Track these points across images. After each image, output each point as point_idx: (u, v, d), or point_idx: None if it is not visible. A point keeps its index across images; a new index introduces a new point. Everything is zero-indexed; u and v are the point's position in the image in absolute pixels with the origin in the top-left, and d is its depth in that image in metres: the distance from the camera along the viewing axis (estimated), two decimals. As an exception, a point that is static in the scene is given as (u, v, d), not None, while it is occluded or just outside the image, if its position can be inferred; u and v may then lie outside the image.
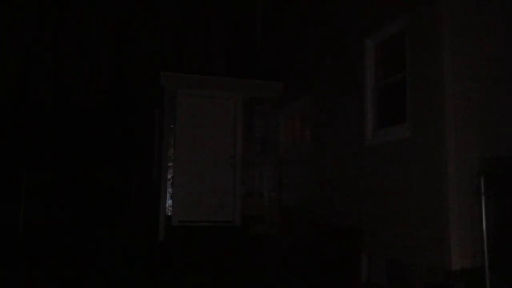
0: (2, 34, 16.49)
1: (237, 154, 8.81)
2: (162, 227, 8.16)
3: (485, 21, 4.91)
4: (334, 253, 6.35)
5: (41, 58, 16.87)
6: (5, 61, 16.60)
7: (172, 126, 8.57)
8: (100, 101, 17.01)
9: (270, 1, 10.60)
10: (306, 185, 7.94)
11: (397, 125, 5.51)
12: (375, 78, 6.09)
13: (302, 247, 7.67)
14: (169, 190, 8.44)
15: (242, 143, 8.91)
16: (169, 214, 8.34)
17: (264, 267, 8.09)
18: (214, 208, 8.59)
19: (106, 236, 11.80)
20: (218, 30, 17.03)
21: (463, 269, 4.42)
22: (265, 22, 10.87)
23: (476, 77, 4.78)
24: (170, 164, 8.48)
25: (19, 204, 11.64)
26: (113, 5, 17.27)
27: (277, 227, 8.88)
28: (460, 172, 4.56)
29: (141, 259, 9.29)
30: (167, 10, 17.65)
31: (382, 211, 5.60)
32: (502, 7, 5.00)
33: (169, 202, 8.41)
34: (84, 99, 16.92)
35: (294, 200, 8.44)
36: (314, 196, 7.58)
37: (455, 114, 4.63)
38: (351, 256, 5.92)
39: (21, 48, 16.76)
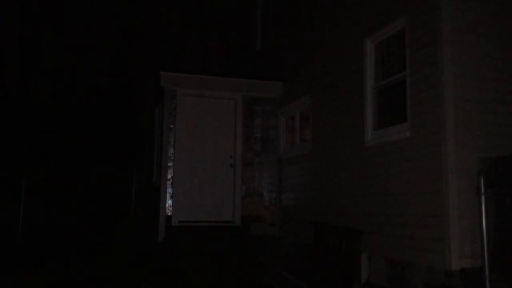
0: (2, 34, 16.49)
1: (237, 154, 8.81)
2: (162, 227, 8.17)
3: (485, 21, 4.92)
4: (334, 253, 6.35)
5: (41, 58, 16.86)
6: (5, 61, 16.60)
7: (172, 126, 8.57)
8: (100, 101, 17.02)
9: (270, 0, 10.60)
10: (306, 185, 7.94)
11: (397, 125, 5.51)
12: (375, 78, 6.09)
13: (302, 247, 7.67)
14: (169, 190, 8.43)
15: (242, 143, 8.91)
16: (169, 214, 8.34)
17: (264, 267, 8.09)
18: (214, 208, 8.59)
19: (106, 236, 11.80)
20: (218, 30, 17.03)
21: (463, 269, 4.42)
22: (265, 22, 10.87)
23: (476, 77, 4.78)
24: (170, 164, 8.48)
25: (19, 204, 11.64)
26: (113, 5, 17.27)
27: (277, 227, 8.88)
28: (460, 172, 4.56)
29: (141, 259, 9.29)
30: (167, 10, 17.64)
31: (382, 211, 5.60)
32: (502, 7, 5.00)
33: (169, 202, 8.41)
34: (84, 99, 16.92)
35: (294, 200, 8.44)
36: (314, 196, 7.58)
37: (455, 114, 4.63)
38: (351, 256, 5.92)
39: (21, 48, 16.75)
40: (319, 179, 7.46)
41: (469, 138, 4.65)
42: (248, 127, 9.08)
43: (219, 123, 8.85)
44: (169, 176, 8.46)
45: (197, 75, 9.00)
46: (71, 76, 17.11)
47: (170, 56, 16.98)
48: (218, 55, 16.53)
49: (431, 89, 4.84)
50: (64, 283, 7.53)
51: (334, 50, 7.15)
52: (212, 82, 8.93)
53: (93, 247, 10.69)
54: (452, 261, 4.43)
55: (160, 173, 8.54)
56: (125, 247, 10.74)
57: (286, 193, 8.81)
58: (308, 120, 8.00)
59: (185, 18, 17.56)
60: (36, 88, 16.72)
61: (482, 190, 4.40)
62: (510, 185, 4.25)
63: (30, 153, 15.01)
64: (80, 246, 10.77)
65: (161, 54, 17.02)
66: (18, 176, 12.09)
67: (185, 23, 17.53)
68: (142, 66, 16.74)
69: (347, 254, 6.01)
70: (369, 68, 6.13)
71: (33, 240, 11.08)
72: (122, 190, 13.61)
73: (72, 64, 17.14)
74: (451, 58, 4.71)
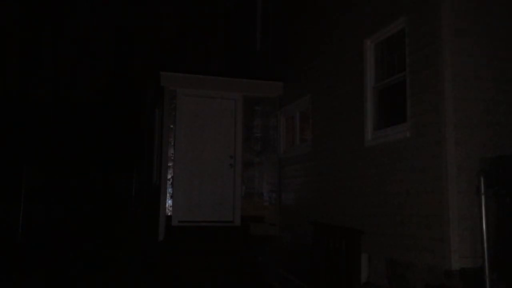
0: (3, 34, 16.48)
1: (237, 154, 8.81)
2: (162, 227, 8.16)
3: (485, 21, 4.91)
4: (334, 253, 6.35)
5: (41, 58, 16.87)
6: (5, 61, 16.60)
7: (172, 126, 8.57)
8: (100, 101, 17.02)
9: (270, 0, 10.60)
10: (306, 185, 7.94)
11: (397, 125, 5.51)
12: (375, 78, 6.09)
13: (302, 247, 7.67)
14: (169, 190, 8.43)
15: (242, 143, 8.91)
16: (169, 214, 8.34)
17: (264, 267, 8.09)
18: (214, 208, 8.58)
19: (106, 236, 11.80)
20: (218, 30, 17.03)
21: (463, 269, 4.42)
22: (265, 22, 10.87)
23: (476, 77, 4.77)
24: (170, 164, 8.48)
25: (19, 204, 11.64)
26: (113, 5, 17.27)
27: (277, 227, 8.88)
28: (460, 172, 4.56)
29: (141, 259, 9.29)
30: (167, 10, 17.65)
31: (382, 211, 5.59)
32: (502, 7, 5.00)
33: (169, 202, 8.41)
34: (84, 99, 16.93)
35: (294, 200, 8.44)
36: (314, 196, 7.58)
37: (455, 114, 4.63)
38: (351, 256, 5.92)
39: (21, 48, 16.75)
40: (319, 179, 7.46)
41: (469, 138, 4.65)
42: (248, 127, 9.07)
43: (219, 123, 8.84)
44: (169, 176, 8.46)
45: (197, 75, 8.98)
46: (71, 76, 17.12)
47: (170, 56, 16.98)
48: (218, 55, 16.53)
49: (431, 89, 4.84)
50: (64, 283, 7.53)
51: (334, 50, 7.15)
52: (212, 82, 8.92)
53: (93, 247, 10.69)
54: (452, 261, 4.43)
55: (160, 173, 8.53)
56: (125, 247, 10.74)
57: (286, 193, 8.81)
58: (308, 120, 8.00)
59: (185, 18, 17.56)
60: (36, 88, 16.72)
61: (482, 190, 4.40)
62: (510, 185, 4.25)
63: (30, 153, 15.01)
64: (80, 245, 10.77)
65: (161, 54, 17.02)
66: (18, 176, 12.09)
67: (185, 23, 17.53)
68: (142, 66, 16.74)
69: (347, 254, 6.01)
70: (369, 68, 6.13)
71: (33, 240, 11.08)
72: (122, 190, 13.61)
73: (72, 64, 17.15)
74: (451, 58, 4.70)
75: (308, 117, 8.04)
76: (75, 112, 16.56)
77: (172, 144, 8.53)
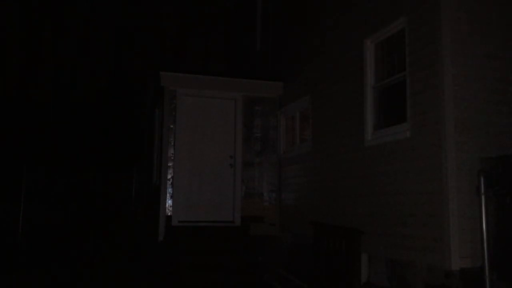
0: (3, 34, 16.49)
1: (237, 154, 8.81)
2: (162, 227, 8.16)
3: (485, 21, 4.92)
4: (334, 253, 6.35)
5: (41, 58, 16.86)
6: (5, 62, 16.60)
7: (172, 126, 8.57)
8: (100, 101, 17.02)
9: (270, 0, 10.60)
10: (306, 185, 7.94)
11: (397, 125, 5.51)
12: (375, 78, 6.09)
13: (302, 247, 7.67)
14: (169, 190, 8.43)
15: (242, 143, 8.90)
16: (169, 214, 8.34)
17: (264, 267, 8.09)
18: (214, 208, 8.58)
19: (106, 236, 11.80)
20: (218, 30, 17.03)
21: (462, 269, 4.42)
22: (265, 22, 10.87)
23: (476, 77, 4.78)
24: (170, 164, 8.48)
25: (19, 204, 11.64)
26: (113, 5, 17.27)
27: (277, 227, 8.88)
28: (460, 172, 4.56)
29: (141, 259, 9.29)
30: (167, 10, 17.65)
31: (382, 211, 5.60)
32: (502, 7, 5.00)
33: (169, 202, 8.40)
34: (84, 99, 16.93)
35: (294, 200, 8.44)
36: (314, 196, 7.58)
37: (455, 114, 4.63)
38: (351, 256, 5.92)
39: (21, 48, 16.76)
40: (319, 179, 7.46)
41: (469, 138, 4.65)
42: (248, 127, 9.07)
43: (219, 123, 8.84)
44: (169, 176, 8.46)
45: (197, 75, 8.98)
46: (71, 76, 17.13)
47: (170, 56, 16.98)
48: (218, 55, 16.54)
49: (431, 89, 4.84)
50: (64, 283, 7.53)
51: (334, 50, 7.15)
52: (212, 82, 8.92)
53: (93, 247, 10.69)
54: (452, 261, 4.43)
55: (160, 173, 8.53)
56: (125, 247, 10.74)
57: (286, 193, 8.81)
58: (308, 120, 8.00)
59: (185, 18, 17.56)
60: (36, 88, 16.73)
61: (482, 190, 4.40)
62: (510, 185, 4.25)
63: (30, 153, 15.01)
64: (80, 246, 10.77)
65: (161, 54, 17.03)
66: (18, 176, 12.09)
67: (185, 23, 17.53)
68: (142, 66, 16.73)
69: (347, 254, 6.01)
70: (369, 68, 6.13)
71: (33, 240, 11.08)
72: (122, 190, 13.61)
73: (72, 64, 17.16)
74: (451, 58, 4.71)
75: (308, 117, 8.04)
76: (75, 112, 16.57)
77: (172, 144, 8.53)
